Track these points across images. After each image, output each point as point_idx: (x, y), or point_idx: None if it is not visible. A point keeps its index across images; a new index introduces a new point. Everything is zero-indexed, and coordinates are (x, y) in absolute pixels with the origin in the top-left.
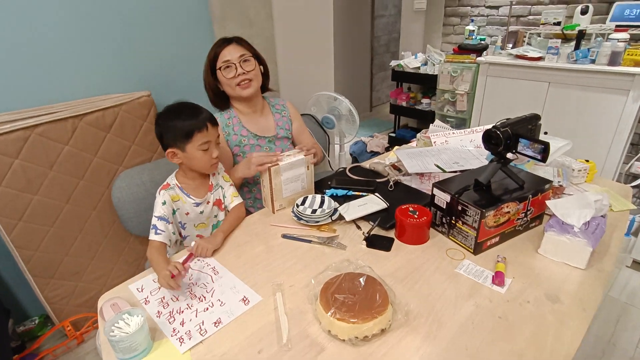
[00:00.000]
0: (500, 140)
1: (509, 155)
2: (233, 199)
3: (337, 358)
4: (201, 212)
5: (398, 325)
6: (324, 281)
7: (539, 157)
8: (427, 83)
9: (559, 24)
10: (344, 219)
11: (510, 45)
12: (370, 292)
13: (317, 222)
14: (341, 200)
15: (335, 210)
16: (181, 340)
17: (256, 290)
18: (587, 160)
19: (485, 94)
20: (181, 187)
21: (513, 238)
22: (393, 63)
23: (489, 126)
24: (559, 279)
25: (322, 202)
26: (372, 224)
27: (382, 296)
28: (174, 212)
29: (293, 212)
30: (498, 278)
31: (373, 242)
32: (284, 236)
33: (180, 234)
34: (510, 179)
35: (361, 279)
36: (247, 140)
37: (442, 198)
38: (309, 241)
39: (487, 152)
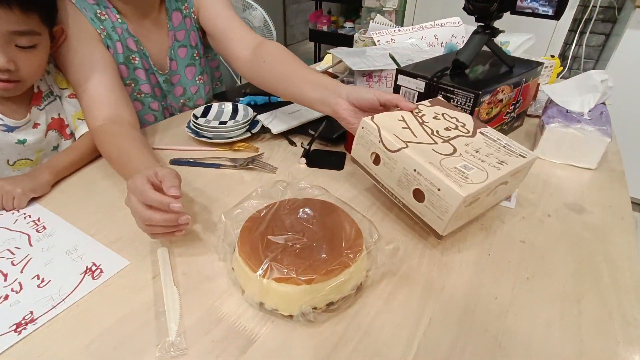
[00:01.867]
0: None
1: (496, 24)
2: (78, 124)
3: (281, 353)
4: (21, 143)
5: (380, 277)
6: (245, 217)
7: (549, 12)
8: (350, 2)
9: None
10: (268, 133)
11: None
12: (331, 225)
13: (229, 137)
14: (262, 110)
15: (256, 121)
16: None
17: (119, 250)
18: (553, 56)
19: (416, 10)
20: None
21: None
22: None
23: None
24: (570, 185)
25: (235, 112)
26: (313, 133)
27: (353, 230)
28: None
29: (189, 126)
30: None
31: (316, 159)
32: (174, 162)
33: None
34: (494, 60)
35: (309, 208)
36: (139, 62)
37: (413, 88)
38: (217, 166)
39: (442, 50)
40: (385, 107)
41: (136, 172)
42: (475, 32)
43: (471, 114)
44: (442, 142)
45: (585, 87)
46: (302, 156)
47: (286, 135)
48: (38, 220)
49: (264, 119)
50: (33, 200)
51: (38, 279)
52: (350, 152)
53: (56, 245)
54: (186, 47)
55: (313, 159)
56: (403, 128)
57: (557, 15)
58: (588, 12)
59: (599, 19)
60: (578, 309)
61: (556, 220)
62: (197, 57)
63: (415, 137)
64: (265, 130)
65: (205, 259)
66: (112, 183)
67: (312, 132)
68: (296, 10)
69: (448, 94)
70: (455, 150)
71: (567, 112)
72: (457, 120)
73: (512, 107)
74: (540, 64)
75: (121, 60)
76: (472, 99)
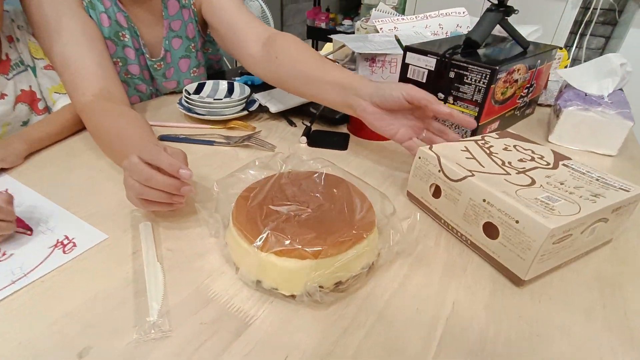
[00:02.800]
0: None
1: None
2: (56, 98)
3: (281, 337)
4: None
5: (394, 257)
6: (241, 188)
7: None
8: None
9: None
10: (266, 113)
11: None
12: (339, 197)
13: (224, 115)
14: (259, 90)
15: (252, 101)
16: None
17: (97, 224)
18: (561, 48)
19: (417, 5)
20: None
21: (512, 126)
22: None
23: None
24: None
25: (231, 91)
26: (315, 111)
27: (364, 203)
28: None
29: (180, 103)
30: None
31: (317, 139)
32: (162, 138)
33: None
34: (506, 44)
35: (314, 179)
36: (129, 40)
37: (422, 66)
38: (210, 142)
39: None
40: (413, 105)
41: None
42: (488, 10)
43: (485, 93)
44: (517, 174)
45: (604, 70)
46: (303, 135)
47: (285, 115)
48: (6, 191)
49: (262, 97)
50: (2, 171)
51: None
52: (355, 134)
53: (24, 217)
54: (181, 39)
55: (314, 139)
56: (467, 158)
57: None
58: (589, 14)
59: (599, 22)
60: (621, 294)
61: None
62: (193, 50)
63: (483, 167)
64: (263, 109)
65: (194, 233)
66: (96, 156)
67: (314, 111)
68: (294, 10)
69: (461, 71)
70: (534, 181)
71: (586, 95)
72: (533, 152)
73: (526, 90)
74: (556, 47)
75: (107, 35)
76: (488, 76)
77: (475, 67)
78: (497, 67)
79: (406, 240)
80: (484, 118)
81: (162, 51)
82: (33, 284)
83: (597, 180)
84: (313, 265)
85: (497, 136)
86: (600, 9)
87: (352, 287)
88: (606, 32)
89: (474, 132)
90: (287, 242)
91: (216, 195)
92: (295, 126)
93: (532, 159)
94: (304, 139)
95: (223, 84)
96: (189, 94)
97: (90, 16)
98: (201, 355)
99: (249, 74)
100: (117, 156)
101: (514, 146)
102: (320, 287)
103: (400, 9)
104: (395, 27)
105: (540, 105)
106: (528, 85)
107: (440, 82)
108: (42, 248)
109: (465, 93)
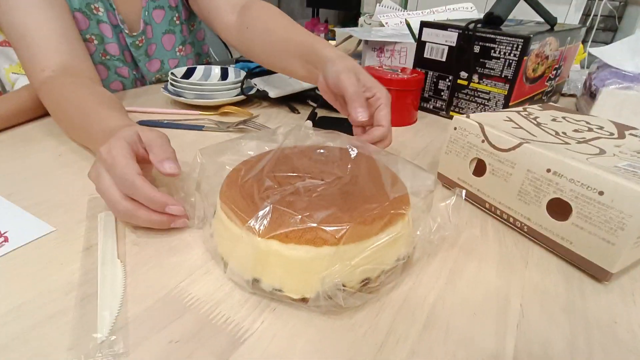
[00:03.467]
0: None
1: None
2: (14, 79)
3: None
4: None
5: (434, 249)
6: (233, 159)
7: None
8: (348, 7)
9: None
10: (266, 100)
11: None
12: (361, 171)
13: (216, 99)
14: (255, 77)
15: (249, 86)
16: None
17: (44, 214)
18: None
19: (418, 4)
20: None
21: None
22: None
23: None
24: None
25: (225, 77)
26: (320, 94)
27: (394, 179)
28: None
29: (166, 88)
30: None
31: (324, 125)
32: (142, 123)
33: None
34: (529, 23)
35: (328, 150)
36: (103, 14)
37: (442, 42)
38: (199, 128)
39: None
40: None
41: (107, 134)
42: None
43: (517, 67)
44: (578, 143)
45: (639, 48)
46: (308, 118)
47: (287, 102)
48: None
49: (259, 82)
50: None
51: None
52: None
53: None
54: (164, 9)
55: (320, 125)
56: (514, 127)
57: None
58: (590, 20)
59: (600, 28)
60: None
61: None
62: (177, 22)
63: (535, 136)
64: (261, 94)
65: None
66: (57, 143)
67: (319, 93)
68: None
69: (488, 44)
70: (603, 151)
71: (624, 74)
72: (588, 122)
73: (554, 72)
74: (583, 26)
75: (76, 7)
76: (520, 46)
77: (505, 38)
78: (531, 36)
79: (446, 227)
80: (515, 98)
81: (142, 24)
82: None
83: None
84: (333, 253)
85: (541, 108)
86: (601, 15)
87: (383, 286)
88: (607, 39)
89: None
90: (298, 218)
91: (199, 167)
92: (299, 113)
93: (590, 130)
94: (309, 123)
95: (216, 69)
96: (175, 77)
97: None
98: None
99: (245, 61)
100: (79, 134)
101: (564, 117)
102: (344, 286)
103: (403, 6)
104: (401, 22)
105: (563, 95)
106: (557, 66)
107: (462, 59)
108: None
109: (493, 69)
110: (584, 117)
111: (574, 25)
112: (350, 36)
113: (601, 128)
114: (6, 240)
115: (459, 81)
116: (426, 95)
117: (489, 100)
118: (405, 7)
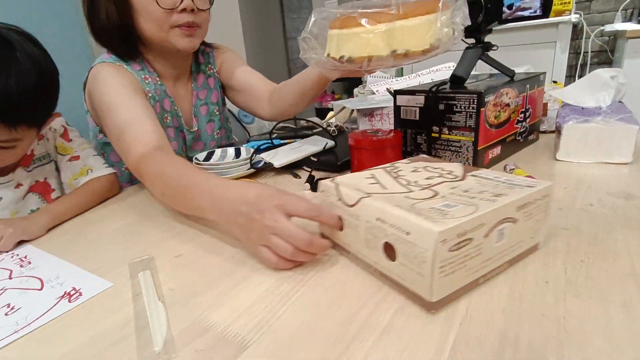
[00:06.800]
0: (479, 4)
1: (487, 38)
2: (76, 183)
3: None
4: None
5: None
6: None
7: (538, 12)
8: (353, 81)
9: None
10: (272, 171)
11: None
12: None
13: (231, 174)
14: (264, 151)
15: (258, 161)
16: None
17: (103, 274)
18: (555, 82)
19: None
20: None
21: (516, 153)
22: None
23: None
24: (606, 180)
25: (238, 155)
26: (315, 159)
27: None
28: None
29: None
30: None
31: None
32: None
33: None
34: (491, 78)
35: None
36: (170, 121)
37: (412, 105)
38: None
39: None
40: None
41: (213, 190)
42: (467, 48)
43: (477, 117)
44: (420, 190)
45: (596, 85)
46: (306, 182)
47: (290, 169)
48: (25, 257)
49: (266, 155)
50: (25, 242)
51: (8, 307)
52: None
53: (37, 276)
54: (207, 105)
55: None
56: (370, 184)
57: (545, 13)
58: (581, 57)
59: (594, 63)
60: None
61: (601, 207)
62: (217, 113)
63: (386, 189)
64: (267, 166)
65: (198, 272)
66: (110, 222)
67: (314, 159)
68: None
69: (450, 102)
70: (436, 194)
71: (583, 109)
72: (443, 169)
73: (522, 115)
74: (543, 72)
75: None
76: (475, 100)
77: (463, 95)
78: (483, 91)
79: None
80: (482, 142)
81: (194, 119)
82: (34, 332)
83: (504, 182)
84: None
85: (409, 161)
86: (592, 51)
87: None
88: None
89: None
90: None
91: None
92: (300, 177)
93: (440, 175)
94: (307, 185)
95: (230, 150)
96: (199, 160)
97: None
98: None
99: (256, 140)
100: (188, 204)
101: (424, 167)
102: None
103: (399, 71)
104: (388, 88)
105: (544, 132)
106: (523, 110)
107: (432, 116)
108: (50, 299)
109: (458, 121)
110: (442, 165)
111: (533, 73)
112: (344, 107)
113: (450, 172)
114: (80, 294)
115: (433, 134)
116: (408, 149)
117: (460, 147)
118: (401, 75)
